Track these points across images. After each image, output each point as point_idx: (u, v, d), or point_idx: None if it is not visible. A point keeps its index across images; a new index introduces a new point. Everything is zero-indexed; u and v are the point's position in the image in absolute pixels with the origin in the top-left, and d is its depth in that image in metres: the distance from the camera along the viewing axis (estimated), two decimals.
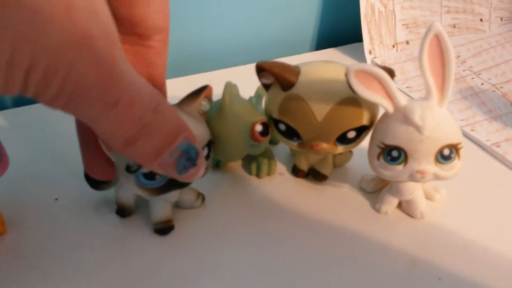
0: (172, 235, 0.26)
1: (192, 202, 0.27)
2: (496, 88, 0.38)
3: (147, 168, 0.21)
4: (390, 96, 0.23)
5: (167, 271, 0.24)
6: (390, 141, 0.23)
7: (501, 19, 0.47)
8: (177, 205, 0.27)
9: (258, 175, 0.29)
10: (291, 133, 0.25)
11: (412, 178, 0.24)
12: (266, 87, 0.26)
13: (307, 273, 0.24)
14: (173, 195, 0.26)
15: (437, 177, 0.24)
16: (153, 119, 0.18)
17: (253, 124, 0.25)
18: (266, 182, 0.29)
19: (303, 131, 0.24)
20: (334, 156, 0.29)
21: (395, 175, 0.24)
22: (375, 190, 0.28)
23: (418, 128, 0.22)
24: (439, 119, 0.22)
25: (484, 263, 0.24)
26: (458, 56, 0.42)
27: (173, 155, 0.19)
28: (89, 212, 0.27)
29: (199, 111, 0.24)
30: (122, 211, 0.26)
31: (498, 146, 0.32)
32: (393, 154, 0.23)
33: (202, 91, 0.24)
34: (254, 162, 0.29)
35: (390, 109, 0.23)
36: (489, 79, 0.39)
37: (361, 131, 0.25)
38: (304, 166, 0.29)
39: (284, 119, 0.25)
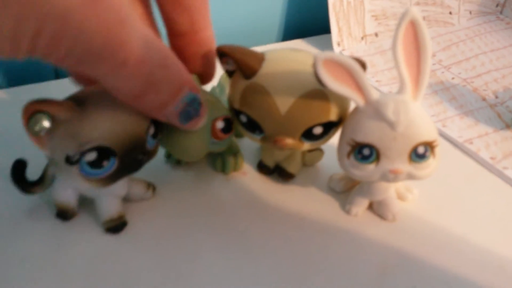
0: (125, 232, 0.23)
1: (143, 193, 0.25)
2: (467, 82, 0.37)
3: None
4: (361, 89, 0.20)
5: (123, 270, 0.22)
6: (361, 138, 0.21)
7: (470, 12, 0.46)
8: (126, 199, 0.24)
9: (223, 171, 0.27)
10: (253, 126, 0.23)
11: (385, 178, 0.22)
12: (230, 74, 0.24)
13: (268, 278, 0.21)
14: (122, 188, 0.23)
15: (411, 177, 0.22)
16: (161, 74, 0.18)
17: (214, 121, 0.23)
18: (230, 179, 0.27)
19: (265, 124, 0.22)
20: (303, 153, 0.27)
21: (366, 175, 0.22)
22: (345, 190, 0.26)
23: (391, 125, 0.20)
24: (413, 115, 0.20)
25: (460, 265, 0.23)
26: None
27: (178, 106, 0.19)
28: (24, 219, 0.24)
29: None
30: (63, 214, 0.23)
31: (471, 143, 0.30)
32: (364, 152, 0.21)
33: None
34: (219, 158, 0.27)
35: (361, 103, 0.21)
36: (459, 73, 0.38)
37: (328, 127, 0.23)
38: (270, 162, 0.27)
39: (245, 110, 0.22)
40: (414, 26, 0.19)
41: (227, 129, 0.23)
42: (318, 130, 0.22)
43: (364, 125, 0.21)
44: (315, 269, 0.22)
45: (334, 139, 0.24)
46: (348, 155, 0.22)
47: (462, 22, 0.45)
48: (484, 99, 0.35)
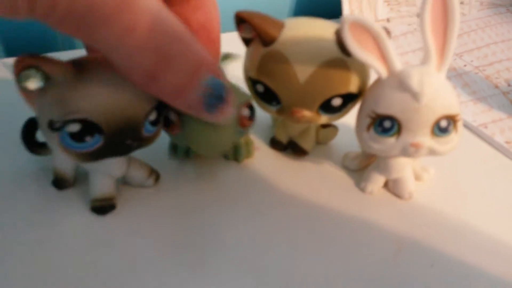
0: (112, 216, 0.22)
1: (143, 180, 0.23)
2: (479, 70, 0.36)
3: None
4: (385, 58, 0.20)
5: (102, 257, 0.20)
6: (383, 110, 0.20)
7: (481, 3, 0.45)
8: (125, 182, 0.23)
9: (237, 159, 0.26)
10: (270, 96, 0.22)
11: (405, 152, 0.21)
12: (246, 42, 0.23)
13: (284, 256, 0.21)
14: (116, 168, 0.22)
15: (432, 152, 0.21)
16: (175, 49, 0.16)
17: (239, 108, 0.21)
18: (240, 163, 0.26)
19: (283, 94, 0.22)
20: (318, 130, 0.26)
21: (386, 149, 0.21)
22: (359, 168, 0.26)
23: (415, 96, 0.20)
24: (437, 86, 0.20)
25: (474, 247, 0.22)
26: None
27: (198, 91, 0.17)
28: (25, 182, 0.23)
29: None
30: (58, 182, 0.23)
31: (486, 127, 0.30)
32: (385, 124, 0.21)
33: None
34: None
35: (384, 73, 0.20)
36: (472, 61, 0.38)
37: (348, 99, 0.22)
38: (283, 138, 0.26)
39: (262, 79, 0.22)
40: None
41: (252, 115, 0.22)
42: (337, 102, 0.22)
43: (386, 96, 0.20)
44: (329, 248, 0.22)
45: (348, 117, 0.23)
46: (368, 127, 0.21)
47: (473, 12, 0.45)
48: (496, 87, 0.34)
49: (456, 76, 0.35)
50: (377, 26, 0.19)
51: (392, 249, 0.22)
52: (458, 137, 0.21)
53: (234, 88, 0.22)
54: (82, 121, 0.17)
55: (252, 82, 0.23)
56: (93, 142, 0.18)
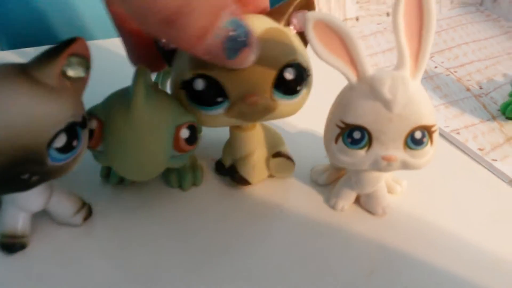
0: (21, 257, 0.19)
1: (68, 216, 0.20)
2: (450, 72, 0.35)
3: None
4: (354, 62, 0.18)
5: None
6: (352, 120, 0.18)
7: (451, 2, 0.44)
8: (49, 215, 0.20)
9: (181, 187, 0.23)
10: (214, 92, 0.18)
11: (376, 166, 0.19)
12: (167, 54, 0.20)
13: (249, 276, 0.19)
14: (33, 201, 0.18)
15: (405, 166, 0.19)
16: None
17: (178, 128, 0.18)
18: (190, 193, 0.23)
19: (229, 79, 0.18)
20: (268, 160, 0.23)
21: (356, 162, 0.19)
22: (328, 182, 0.24)
23: (387, 104, 0.18)
24: (411, 94, 0.18)
25: (450, 262, 0.21)
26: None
27: (219, 35, 0.16)
28: None
29: (62, 77, 0.16)
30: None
31: (458, 133, 0.28)
32: (354, 135, 0.19)
33: (65, 48, 0.16)
34: (174, 172, 0.22)
35: (353, 79, 0.18)
36: (442, 62, 0.36)
37: (299, 72, 0.19)
38: (227, 160, 0.23)
39: (201, 71, 0.18)
40: None
41: (192, 139, 0.19)
42: (289, 75, 0.19)
43: (355, 105, 0.18)
44: (298, 269, 0.20)
45: (316, 125, 0.21)
46: (336, 139, 0.19)
47: (444, 11, 0.43)
48: (468, 90, 0.33)
49: (427, 79, 0.34)
50: (346, 26, 0.17)
51: (365, 270, 0.20)
52: (433, 150, 0.19)
53: (177, 104, 0.19)
54: None
55: (187, 84, 0.19)
56: None
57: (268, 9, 0.20)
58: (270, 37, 0.18)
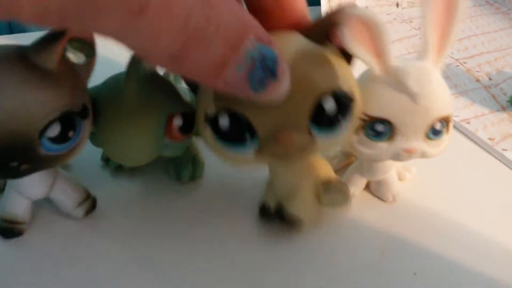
0: (17, 243, 0.19)
1: (71, 208, 0.19)
2: (460, 63, 0.36)
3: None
4: (380, 53, 0.18)
5: None
6: (377, 112, 0.19)
7: None
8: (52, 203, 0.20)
9: (179, 179, 0.22)
10: (241, 129, 0.16)
11: (397, 157, 0.20)
12: (192, 86, 0.19)
13: (264, 262, 0.19)
14: (34, 189, 0.18)
15: (423, 156, 0.20)
16: (206, 19, 0.12)
17: (170, 116, 0.18)
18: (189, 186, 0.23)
19: (257, 115, 0.16)
20: (317, 192, 0.19)
21: (376, 154, 0.20)
22: (338, 168, 0.24)
23: (412, 96, 0.18)
24: (435, 85, 0.18)
25: (460, 250, 0.21)
26: (420, 27, 0.40)
27: (241, 67, 0.13)
28: None
29: (62, 62, 0.16)
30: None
31: (468, 123, 0.29)
32: (378, 128, 0.19)
33: (64, 32, 0.15)
34: (172, 162, 0.22)
35: (377, 70, 0.19)
36: (452, 53, 0.37)
37: (342, 101, 0.16)
38: (271, 200, 0.20)
39: (225, 104, 0.16)
40: None
41: (186, 127, 0.18)
42: (329, 104, 0.16)
43: (380, 97, 0.19)
44: (310, 254, 0.20)
45: None
46: (357, 130, 0.19)
47: None
48: (478, 80, 0.34)
49: None
50: (378, 18, 0.17)
51: (374, 257, 0.20)
52: (449, 138, 0.20)
53: (171, 90, 0.19)
54: None
55: (212, 121, 0.16)
56: None
57: (306, 17, 0.18)
58: (305, 61, 0.16)
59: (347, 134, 0.17)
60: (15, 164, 0.15)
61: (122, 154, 0.18)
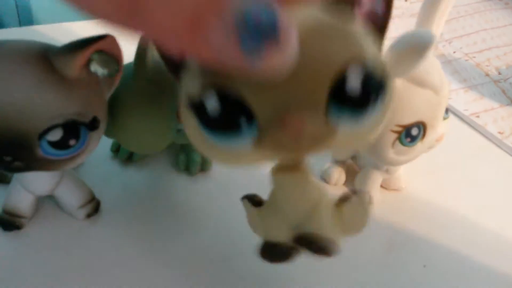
0: (17, 236, 0.19)
1: (73, 208, 0.19)
2: (469, 57, 0.35)
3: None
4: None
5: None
6: (409, 119, 0.18)
7: None
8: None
9: (188, 170, 0.22)
10: (234, 113, 0.12)
11: (430, 149, 0.20)
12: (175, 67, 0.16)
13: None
14: (39, 185, 0.18)
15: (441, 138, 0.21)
16: None
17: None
18: (198, 180, 0.22)
19: (256, 94, 0.12)
20: (335, 206, 0.15)
21: (414, 157, 0.20)
22: (340, 182, 0.23)
23: (437, 90, 0.18)
24: (440, 71, 0.19)
25: (469, 243, 0.21)
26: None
27: (226, 25, 0.09)
28: None
29: (84, 72, 0.15)
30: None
31: (478, 117, 0.29)
32: (413, 133, 0.19)
33: (91, 42, 0.15)
34: (182, 153, 0.22)
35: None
36: (461, 48, 0.37)
37: (370, 77, 0.12)
38: (282, 233, 0.15)
39: (214, 82, 0.12)
40: None
41: None
42: (354, 82, 0.11)
43: (409, 102, 0.18)
44: None
45: None
46: (393, 143, 0.19)
47: None
48: (487, 75, 0.34)
49: (446, 63, 0.34)
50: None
51: (383, 247, 0.21)
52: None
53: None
54: None
55: (196, 105, 0.12)
56: None
57: None
58: (321, 30, 0.12)
59: (375, 124, 0.12)
60: (8, 159, 0.15)
61: (138, 141, 0.18)
